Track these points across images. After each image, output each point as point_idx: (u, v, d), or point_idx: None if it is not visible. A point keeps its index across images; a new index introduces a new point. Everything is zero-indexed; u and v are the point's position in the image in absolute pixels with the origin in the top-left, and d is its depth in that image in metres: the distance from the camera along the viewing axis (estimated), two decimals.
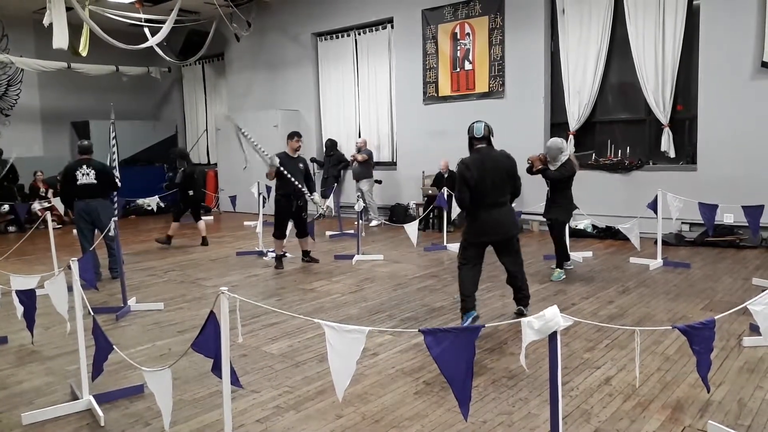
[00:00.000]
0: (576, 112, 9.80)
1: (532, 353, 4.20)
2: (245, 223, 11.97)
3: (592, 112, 9.79)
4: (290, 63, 13.66)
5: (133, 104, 16.17)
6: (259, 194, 9.81)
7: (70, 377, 4.12)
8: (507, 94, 10.43)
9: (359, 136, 12.64)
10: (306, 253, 8.04)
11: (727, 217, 8.11)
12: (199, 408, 3.64)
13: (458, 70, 11.02)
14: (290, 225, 7.87)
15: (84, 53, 11.74)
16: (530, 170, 6.75)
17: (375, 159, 11.90)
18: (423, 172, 11.22)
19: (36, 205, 11.47)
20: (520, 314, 5.05)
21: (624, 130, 9.75)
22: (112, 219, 6.89)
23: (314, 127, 13.55)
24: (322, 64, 13.39)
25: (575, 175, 6.64)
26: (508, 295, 5.39)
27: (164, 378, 3.05)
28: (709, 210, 6.66)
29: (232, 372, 2.99)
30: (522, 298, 5.15)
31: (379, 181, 11.79)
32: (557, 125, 10.12)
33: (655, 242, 7.49)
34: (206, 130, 16.43)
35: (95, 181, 7.00)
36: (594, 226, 9.38)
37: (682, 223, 8.69)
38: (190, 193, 9.59)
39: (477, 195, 4.85)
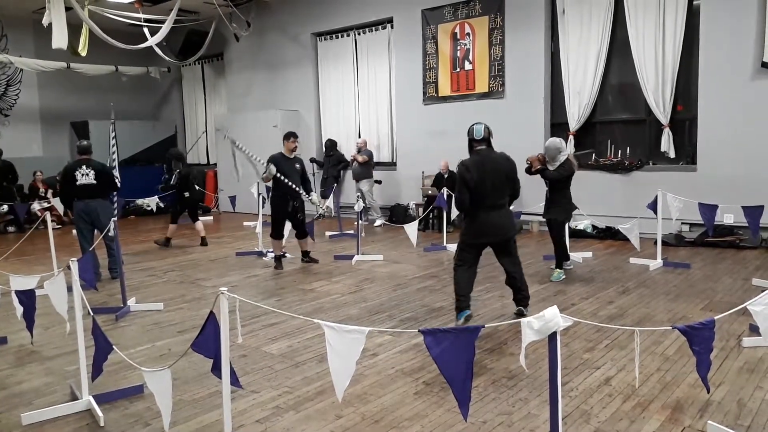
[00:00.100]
0: (576, 112, 9.80)
1: (531, 353, 4.20)
2: (245, 223, 11.97)
3: (592, 112, 9.79)
4: (290, 63, 13.66)
5: (133, 104, 16.17)
6: (259, 194, 9.81)
7: (69, 377, 4.12)
8: (507, 95, 10.43)
9: (359, 137, 12.64)
10: (306, 254, 8.03)
11: (727, 217, 8.12)
12: (199, 408, 3.63)
13: (458, 70, 11.02)
14: (289, 226, 7.87)
15: (83, 53, 11.74)
16: (529, 170, 6.75)
17: (375, 159, 11.89)
18: (423, 173, 11.22)
19: (35, 206, 11.46)
20: (519, 315, 5.05)
21: (624, 130, 9.74)
22: (112, 219, 6.89)
23: (314, 127, 13.55)
24: (321, 64, 13.38)
25: (574, 175, 6.64)
26: (508, 295, 5.39)
27: (164, 378, 3.05)
28: (709, 210, 6.66)
29: (232, 372, 2.99)
30: (522, 299, 5.16)
31: (379, 182, 11.79)
32: (557, 125, 10.12)
33: (655, 242, 7.50)
34: (206, 130, 16.43)
35: (95, 182, 7.00)
36: (594, 227, 9.38)
37: (682, 223, 8.70)
38: (186, 194, 9.60)
39: (477, 197, 4.86)
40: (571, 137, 9.78)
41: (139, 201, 13.06)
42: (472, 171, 4.83)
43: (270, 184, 7.75)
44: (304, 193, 7.76)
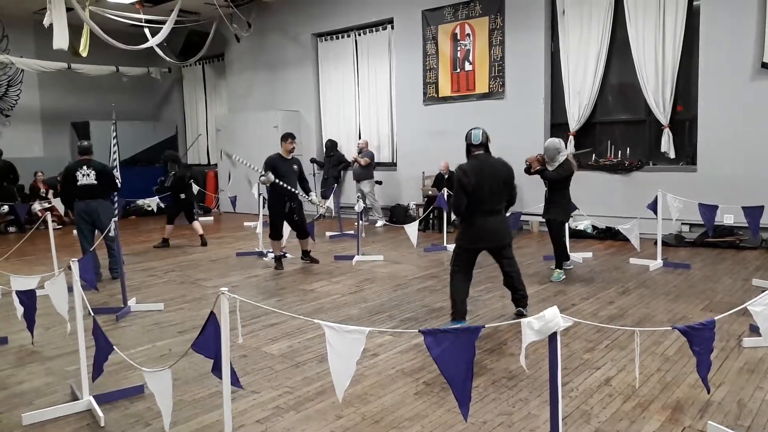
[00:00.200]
0: (576, 112, 9.80)
1: (532, 354, 4.20)
2: (245, 223, 11.98)
3: (592, 112, 9.79)
4: (290, 63, 13.66)
5: (133, 105, 16.18)
6: (259, 195, 9.82)
7: (70, 378, 4.12)
8: (507, 95, 10.44)
9: (359, 137, 12.63)
10: (306, 253, 8.04)
11: (727, 217, 8.12)
12: (199, 408, 3.64)
13: (458, 70, 11.02)
14: (289, 226, 7.87)
15: (84, 54, 11.74)
16: (528, 171, 6.75)
17: (375, 159, 11.89)
18: (423, 173, 11.22)
19: (36, 206, 11.45)
20: (519, 315, 5.06)
21: (624, 130, 9.75)
22: (113, 219, 6.89)
23: (314, 127, 13.56)
24: (322, 64, 13.39)
25: (573, 175, 6.65)
26: (508, 296, 5.39)
27: (164, 378, 3.05)
28: (709, 211, 6.67)
29: (232, 372, 2.99)
30: (520, 299, 5.16)
31: (379, 182, 11.78)
32: (557, 126, 10.12)
33: (655, 243, 7.50)
34: (206, 131, 16.43)
35: (95, 182, 7.00)
36: (594, 227, 9.38)
37: (682, 223, 8.70)
38: (182, 196, 9.62)
39: (474, 201, 4.86)
40: (571, 137, 9.78)
41: (140, 201, 13.01)
42: (470, 176, 4.84)
43: (269, 185, 7.78)
44: (303, 194, 7.76)
